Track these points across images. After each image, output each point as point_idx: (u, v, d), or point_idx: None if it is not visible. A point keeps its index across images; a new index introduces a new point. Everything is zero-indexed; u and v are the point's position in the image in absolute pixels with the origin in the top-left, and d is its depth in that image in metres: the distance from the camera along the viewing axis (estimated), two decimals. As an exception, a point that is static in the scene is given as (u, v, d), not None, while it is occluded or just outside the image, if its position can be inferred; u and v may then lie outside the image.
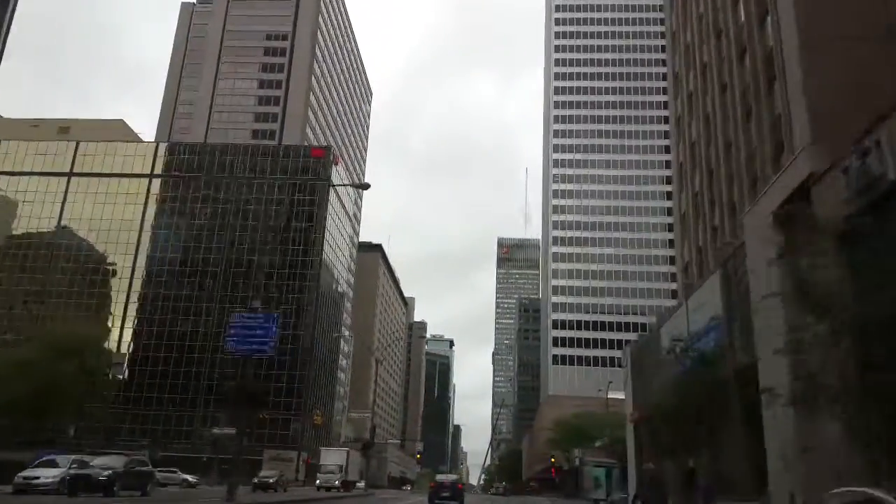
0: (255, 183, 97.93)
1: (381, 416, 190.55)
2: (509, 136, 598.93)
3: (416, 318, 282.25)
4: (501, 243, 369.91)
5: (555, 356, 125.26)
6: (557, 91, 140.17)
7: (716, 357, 26.87)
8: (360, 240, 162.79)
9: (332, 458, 67.30)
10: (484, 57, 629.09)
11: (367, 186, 39.95)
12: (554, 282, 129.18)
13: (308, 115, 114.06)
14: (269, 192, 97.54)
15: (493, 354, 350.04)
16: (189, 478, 55.73)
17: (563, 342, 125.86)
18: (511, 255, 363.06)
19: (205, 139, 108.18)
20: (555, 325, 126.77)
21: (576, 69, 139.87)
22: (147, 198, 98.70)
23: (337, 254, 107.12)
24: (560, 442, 74.19)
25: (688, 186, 43.65)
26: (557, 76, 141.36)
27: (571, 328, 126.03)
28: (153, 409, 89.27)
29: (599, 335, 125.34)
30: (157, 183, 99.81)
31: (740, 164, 32.76)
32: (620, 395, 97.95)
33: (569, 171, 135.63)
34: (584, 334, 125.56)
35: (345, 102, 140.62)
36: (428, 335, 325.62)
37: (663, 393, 30.92)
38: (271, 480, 49.42)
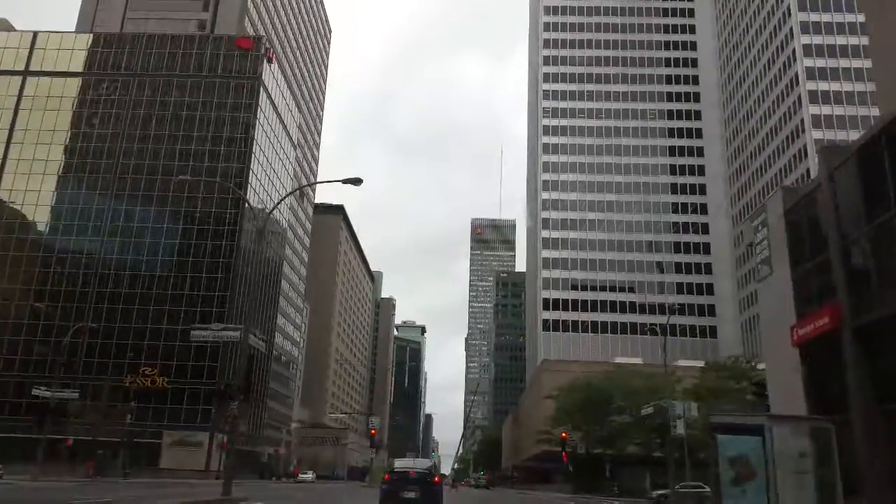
0: (174, 81, 75.15)
1: (341, 399, 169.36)
2: (491, 121, 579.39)
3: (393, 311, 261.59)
4: (475, 224, 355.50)
5: (545, 321, 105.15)
6: (547, 27, 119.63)
7: None
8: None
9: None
10: (465, 36, 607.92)
11: (358, 182, 25.26)
12: (544, 233, 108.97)
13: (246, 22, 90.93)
14: (191, 95, 74.99)
15: (466, 340, 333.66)
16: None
17: (554, 304, 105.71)
18: (485, 235, 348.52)
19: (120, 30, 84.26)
20: (545, 283, 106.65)
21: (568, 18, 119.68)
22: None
23: (273, 181, 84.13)
24: (572, 415, 53.81)
25: None
26: (547, 10, 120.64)
27: (565, 288, 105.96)
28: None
29: (595, 296, 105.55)
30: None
31: None
32: (635, 360, 78.62)
33: (561, 105, 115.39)
34: (578, 295, 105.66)
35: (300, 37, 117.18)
36: (399, 321, 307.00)
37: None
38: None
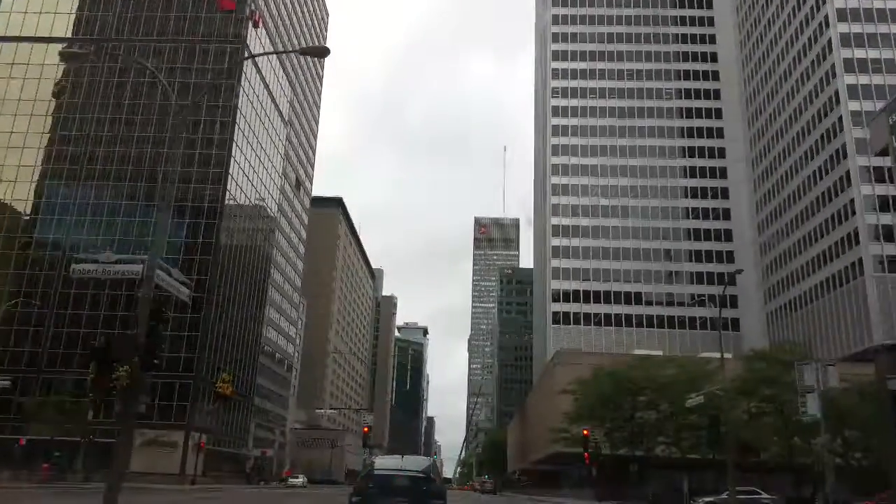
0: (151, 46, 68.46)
1: (340, 400, 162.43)
2: (496, 120, 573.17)
3: (396, 314, 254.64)
4: (479, 222, 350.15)
5: (555, 314, 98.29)
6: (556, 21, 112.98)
7: None
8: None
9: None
10: (467, 34, 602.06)
11: (324, 52, 18.26)
12: (554, 220, 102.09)
13: None
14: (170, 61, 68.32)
15: (469, 341, 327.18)
16: None
17: (565, 296, 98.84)
18: (488, 234, 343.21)
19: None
20: (555, 274, 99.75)
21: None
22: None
23: (260, 157, 77.26)
24: (595, 410, 46.92)
25: None
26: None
27: (576, 278, 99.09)
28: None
29: (608, 287, 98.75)
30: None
31: None
32: (655, 352, 71.55)
33: (571, 84, 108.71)
34: (589, 285, 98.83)
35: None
36: (401, 323, 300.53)
37: None
38: None
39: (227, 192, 64.26)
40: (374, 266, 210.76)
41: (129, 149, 65.76)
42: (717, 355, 62.89)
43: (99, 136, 67.19)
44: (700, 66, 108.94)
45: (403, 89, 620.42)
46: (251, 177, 72.42)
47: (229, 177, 64.12)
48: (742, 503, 34.20)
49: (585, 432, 43.50)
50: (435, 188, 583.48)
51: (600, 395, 46.39)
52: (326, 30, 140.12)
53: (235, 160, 66.17)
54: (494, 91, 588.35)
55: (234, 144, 65.93)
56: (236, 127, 66.50)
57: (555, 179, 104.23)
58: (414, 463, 13.17)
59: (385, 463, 13.53)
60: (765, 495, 37.26)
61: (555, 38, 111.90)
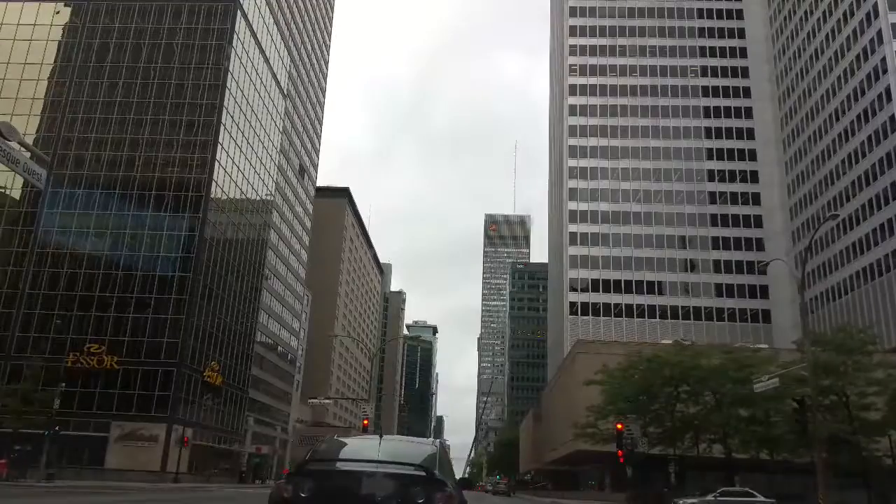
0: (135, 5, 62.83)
1: (346, 394, 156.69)
2: (507, 118, 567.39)
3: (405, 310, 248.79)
4: (489, 220, 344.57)
5: (572, 304, 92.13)
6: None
7: None
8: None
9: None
10: (481, 36, 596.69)
11: None
12: (571, 205, 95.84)
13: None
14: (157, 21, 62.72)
15: (479, 340, 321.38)
16: None
17: (583, 286, 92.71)
18: (499, 231, 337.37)
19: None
20: (572, 262, 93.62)
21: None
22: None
23: (255, 129, 71.47)
24: (628, 402, 41.02)
25: None
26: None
27: (594, 267, 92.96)
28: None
29: (630, 276, 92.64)
30: None
31: None
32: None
33: (590, 61, 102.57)
34: (609, 274, 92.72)
35: None
36: (410, 321, 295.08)
37: None
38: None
39: (216, 161, 58.62)
40: (382, 262, 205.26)
41: (111, 115, 60.34)
42: (758, 346, 57.26)
43: (77, 102, 61.78)
44: (727, 42, 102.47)
45: (426, 91, 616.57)
46: (243, 147, 66.72)
47: (218, 145, 58.51)
48: None
49: (620, 426, 37.55)
50: (449, 189, 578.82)
51: (637, 385, 40.48)
52: (332, 10, 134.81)
53: (225, 127, 60.50)
54: (516, 90, 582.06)
55: (223, 110, 60.04)
56: (227, 91, 60.75)
57: (572, 162, 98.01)
58: (404, 450, 6.70)
59: (344, 448, 6.96)
60: (759, 497, 32.04)
61: (572, 12, 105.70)
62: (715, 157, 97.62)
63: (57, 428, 41.50)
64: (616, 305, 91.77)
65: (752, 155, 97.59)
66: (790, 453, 36.50)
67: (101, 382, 51.88)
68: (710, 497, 32.29)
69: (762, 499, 32.19)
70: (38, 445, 43.46)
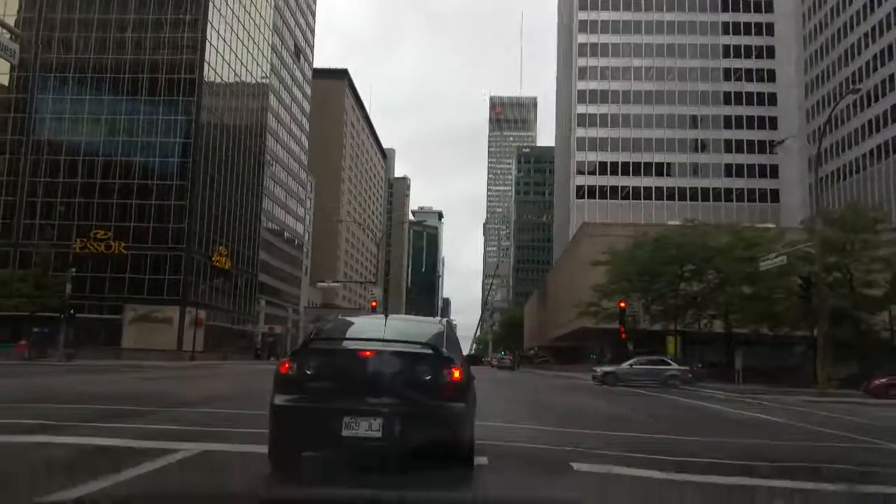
0: None
1: (354, 278, 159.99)
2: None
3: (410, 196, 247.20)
4: (494, 102, 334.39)
5: (579, 187, 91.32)
6: None
7: None
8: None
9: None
10: None
11: None
12: (581, 84, 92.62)
13: None
14: None
15: (485, 225, 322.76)
16: None
17: (590, 168, 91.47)
18: (504, 114, 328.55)
19: None
20: (580, 144, 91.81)
21: None
22: None
23: (247, 8, 68.03)
24: (632, 281, 41.56)
25: None
26: None
27: (603, 149, 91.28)
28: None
29: (639, 157, 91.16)
30: None
31: None
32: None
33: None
34: (617, 156, 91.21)
35: None
36: (416, 207, 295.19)
37: None
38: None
39: (207, 41, 56.07)
40: (385, 148, 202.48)
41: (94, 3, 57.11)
42: (766, 225, 57.14)
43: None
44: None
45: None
46: (234, 25, 63.54)
47: (208, 23, 55.70)
48: (645, 373, 31.73)
49: (622, 304, 38.15)
50: (454, 76, 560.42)
51: (642, 264, 40.74)
52: None
53: (214, 4, 57.29)
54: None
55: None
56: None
57: (582, 38, 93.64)
58: (410, 329, 6.75)
59: (351, 327, 6.63)
60: (674, 365, 33.06)
61: None
62: (731, 32, 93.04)
63: (72, 311, 42.46)
64: (623, 188, 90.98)
65: (770, 29, 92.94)
66: (791, 328, 37.24)
67: (112, 267, 52.58)
68: (625, 365, 33.43)
69: (675, 366, 33.17)
70: (55, 328, 44.76)
